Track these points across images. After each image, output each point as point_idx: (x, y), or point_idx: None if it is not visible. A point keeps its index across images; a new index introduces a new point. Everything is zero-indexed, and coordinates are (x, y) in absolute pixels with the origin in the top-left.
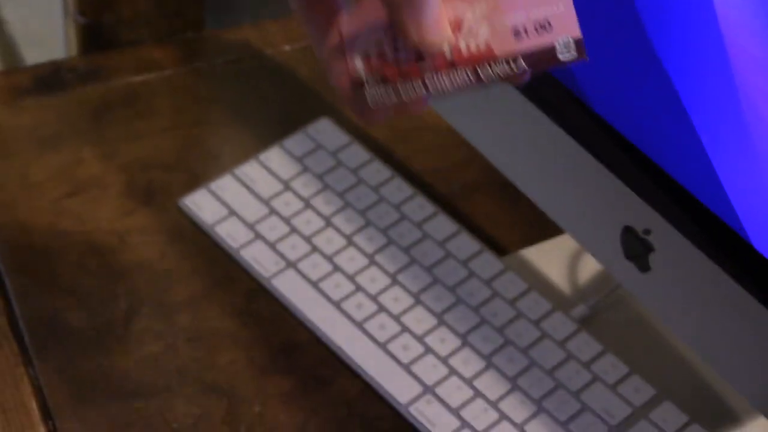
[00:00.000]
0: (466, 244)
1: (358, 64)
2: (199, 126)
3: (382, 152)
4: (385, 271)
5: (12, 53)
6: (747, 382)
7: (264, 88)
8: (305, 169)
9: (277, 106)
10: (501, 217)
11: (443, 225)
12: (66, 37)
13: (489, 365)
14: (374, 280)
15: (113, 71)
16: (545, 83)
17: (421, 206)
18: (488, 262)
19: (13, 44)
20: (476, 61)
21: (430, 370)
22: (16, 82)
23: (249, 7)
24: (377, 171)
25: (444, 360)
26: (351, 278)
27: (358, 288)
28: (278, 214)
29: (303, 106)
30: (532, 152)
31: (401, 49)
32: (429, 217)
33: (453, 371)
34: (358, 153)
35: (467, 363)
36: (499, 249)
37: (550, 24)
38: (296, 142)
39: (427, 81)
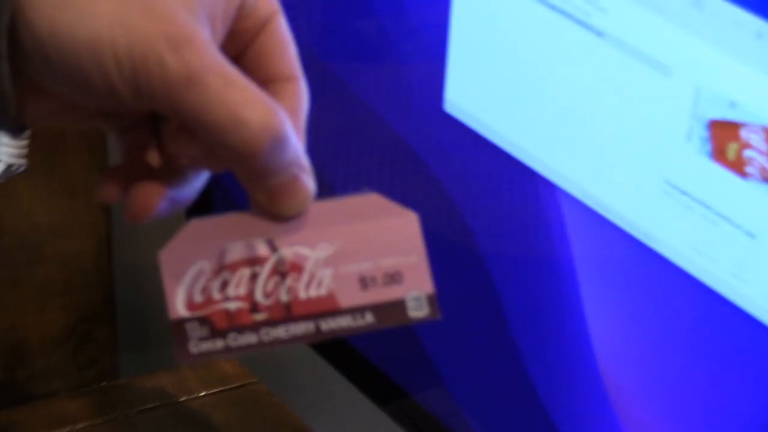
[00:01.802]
0: None
1: (180, 300)
2: None
3: None
4: None
5: None
6: None
7: None
8: None
9: None
10: None
11: None
12: None
13: None
14: None
15: (26, 427)
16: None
17: None
18: None
19: None
20: (317, 311)
21: None
22: None
23: (165, 351)
24: None
25: None
26: None
27: None
28: None
29: None
30: None
31: (233, 292)
32: None
33: None
34: None
35: None
36: None
37: (401, 275)
38: None
39: (260, 331)
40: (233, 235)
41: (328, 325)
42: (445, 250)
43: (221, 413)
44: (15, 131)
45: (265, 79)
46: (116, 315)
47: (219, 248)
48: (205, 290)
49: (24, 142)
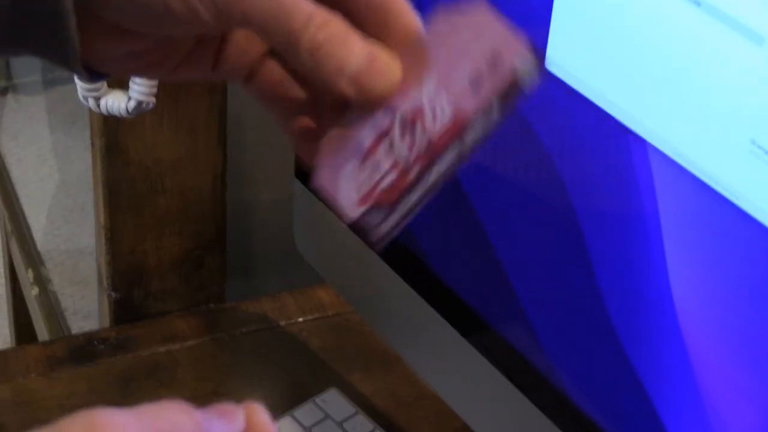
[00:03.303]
0: None
1: (349, 206)
2: (217, 396)
3: (385, 421)
4: None
5: (57, 323)
6: None
7: (278, 358)
8: None
9: (290, 376)
10: None
11: None
12: (100, 310)
13: None
14: None
15: (141, 342)
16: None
17: None
18: None
19: (61, 315)
20: (455, 132)
21: None
22: (52, 352)
23: (268, 279)
24: None
25: None
26: None
27: None
28: None
29: (314, 376)
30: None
31: (384, 168)
32: None
33: None
34: (362, 423)
35: None
36: None
37: (498, 54)
38: (306, 412)
39: (420, 182)
40: (357, 128)
41: (470, 137)
42: (539, 203)
43: (317, 338)
44: (89, 76)
45: None
46: (226, 244)
47: (353, 145)
48: (361, 184)
49: (154, 82)
